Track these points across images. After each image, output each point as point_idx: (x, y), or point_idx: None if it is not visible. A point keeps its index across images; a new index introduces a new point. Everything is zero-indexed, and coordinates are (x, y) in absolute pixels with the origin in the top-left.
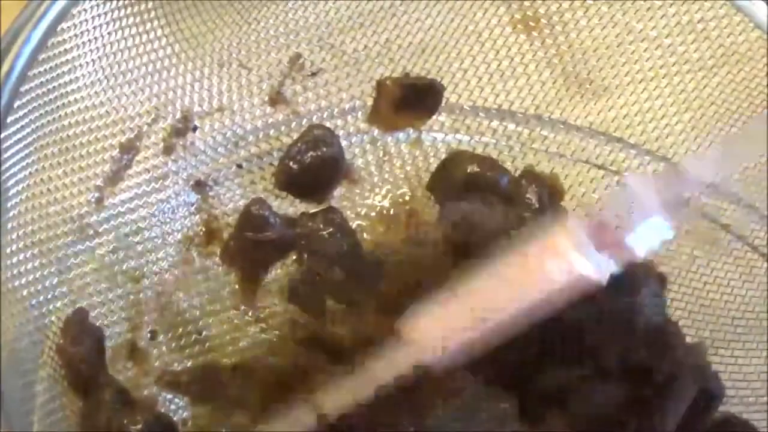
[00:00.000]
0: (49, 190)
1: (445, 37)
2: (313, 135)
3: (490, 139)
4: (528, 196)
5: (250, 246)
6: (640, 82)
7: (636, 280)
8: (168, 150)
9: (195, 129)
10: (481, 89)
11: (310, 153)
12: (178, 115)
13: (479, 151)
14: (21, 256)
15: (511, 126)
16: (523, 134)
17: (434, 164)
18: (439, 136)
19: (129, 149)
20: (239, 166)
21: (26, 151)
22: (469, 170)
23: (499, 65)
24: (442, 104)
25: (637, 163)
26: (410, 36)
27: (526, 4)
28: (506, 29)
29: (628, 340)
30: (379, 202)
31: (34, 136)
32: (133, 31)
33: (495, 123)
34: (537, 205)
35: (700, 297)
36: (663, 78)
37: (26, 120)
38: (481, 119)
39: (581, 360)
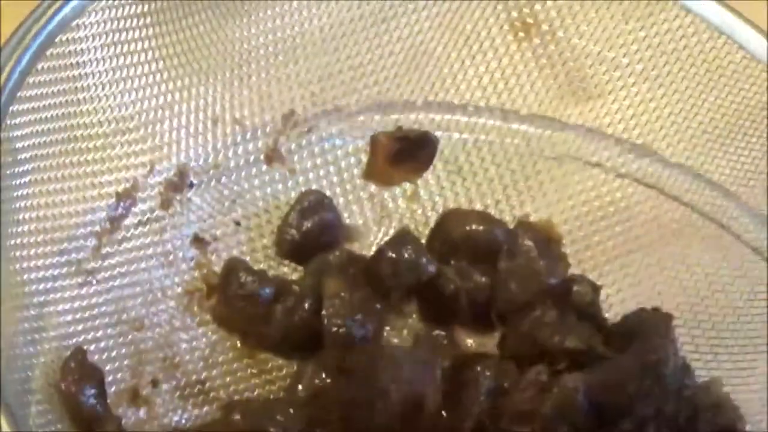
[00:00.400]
0: (45, 228)
1: (428, 38)
2: (308, 201)
3: (486, 137)
4: (527, 243)
5: (238, 304)
6: (632, 85)
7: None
8: (165, 204)
9: (192, 185)
10: (477, 87)
11: (307, 220)
12: (174, 170)
13: (476, 149)
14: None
15: (506, 125)
16: (519, 133)
17: (432, 218)
18: (436, 189)
19: (125, 198)
20: (237, 224)
21: (26, 183)
22: (465, 228)
23: (488, 66)
24: (438, 102)
25: (637, 166)
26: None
27: (525, 9)
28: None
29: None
30: None
31: (35, 176)
32: (128, 82)
33: (491, 122)
34: (535, 254)
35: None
36: (655, 80)
37: (29, 154)
38: (476, 118)
39: None
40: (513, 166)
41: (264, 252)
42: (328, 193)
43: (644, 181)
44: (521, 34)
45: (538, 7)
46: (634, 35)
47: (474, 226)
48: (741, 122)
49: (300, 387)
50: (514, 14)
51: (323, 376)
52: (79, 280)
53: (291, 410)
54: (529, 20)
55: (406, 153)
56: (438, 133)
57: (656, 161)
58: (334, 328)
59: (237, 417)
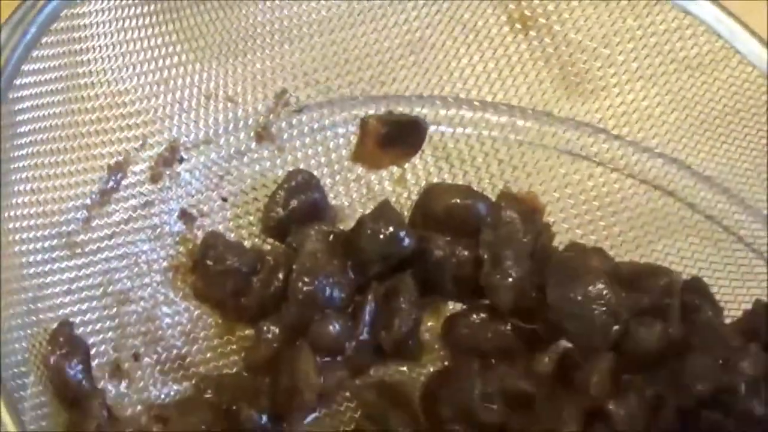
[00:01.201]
0: (38, 201)
1: (428, 34)
2: (296, 180)
3: (483, 131)
4: (509, 214)
5: (217, 278)
6: (627, 82)
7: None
8: (155, 178)
9: (182, 160)
10: (474, 82)
11: (294, 199)
12: (165, 145)
13: (475, 144)
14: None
15: (504, 119)
16: (516, 127)
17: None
18: (423, 174)
19: (116, 171)
20: (224, 200)
21: (22, 155)
22: (448, 202)
23: (491, 58)
24: (436, 95)
25: (635, 159)
26: (394, 73)
27: (523, 3)
28: (503, 28)
29: None
30: None
31: (31, 149)
32: (126, 57)
33: (488, 116)
34: (519, 226)
35: None
36: (652, 77)
37: (25, 128)
38: (475, 112)
39: None
40: (501, 156)
41: (249, 229)
42: (315, 173)
43: (639, 176)
44: (518, 26)
45: (536, 1)
46: (632, 33)
47: (456, 200)
48: (737, 119)
49: (261, 348)
50: (512, 7)
51: (282, 337)
52: (68, 252)
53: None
54: (527, 13)
55: (395, 137)
56: (433, 128)
57: (652, 157)
58: (300, 284)
59: (209, 393)
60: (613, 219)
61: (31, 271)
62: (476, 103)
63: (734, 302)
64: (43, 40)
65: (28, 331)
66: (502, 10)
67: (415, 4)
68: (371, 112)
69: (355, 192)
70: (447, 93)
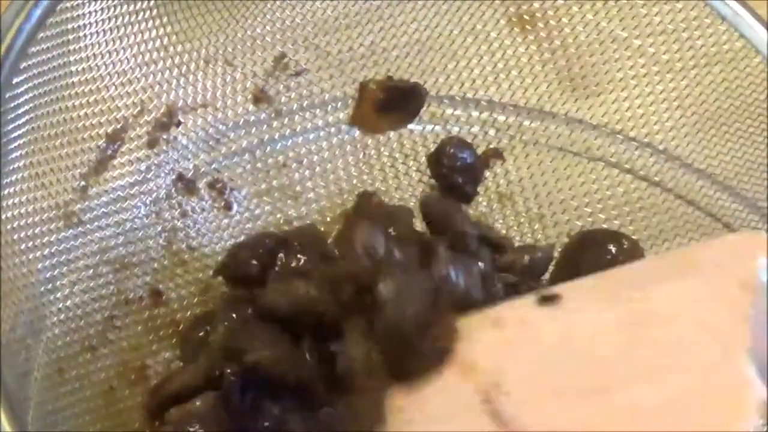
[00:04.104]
0: (37, 174)
1: (435, 34)
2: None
3: (481, 130)
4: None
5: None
6: (632, 78)
7: None
8: (152, 143)
9: (179, 124)
10: (473, 81)
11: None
12: (163, 109)
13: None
14: (9, 238)
15: (502, 118)
16: (515, 126)
17: (413, 166)
18: (419, 138)
19: (115, 140)
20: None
21: (20, 131)
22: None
23: (492, 58)
24: (434, 95)
25: (637, 155)
26: (396, 38)
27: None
28: (502, 25)
29: None
30: None
31: (28, 117)
32: (126, 20)
33: (485, 115)
34: None
35: None
36: (655, 75)
37: (21, 99)
38: (474, 111)
39: None
40: (506, 155)
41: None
42: (311, 137)
43: (645, 176)
44: (527, 27)
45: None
46: (639, 30)
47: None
48: (742, 118)
49: None
50: (518, 6)
51: None
52: (65, 222)
53: None
54: (536, 14)
55: (394, 102)
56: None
57: (657, 156)
58: None
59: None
60: (617, 221)
61: (29, 244)
62: (483, 102)
63: None
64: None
65: (27, 306)
66: (507, 10)
67: (422, 3)
68: (370, 76)
69: (351, 155)
70: (455, 92)
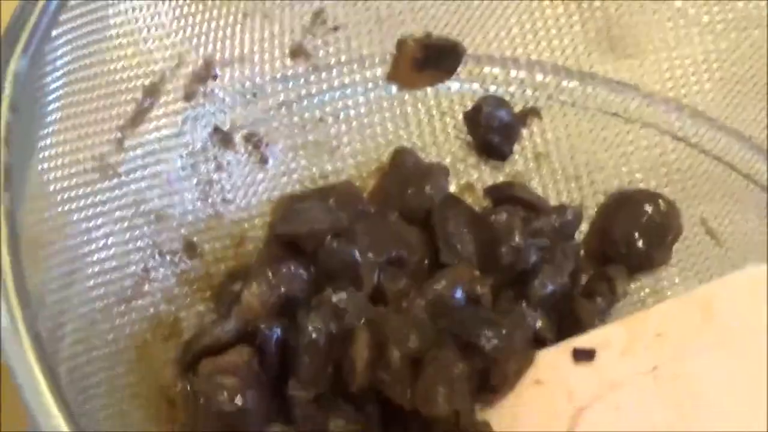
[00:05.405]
0: (74, 126)
1: None
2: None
3: (518, 89)
4: None
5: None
6: (672, 39)
7: None
8: (189, 96)
9: (216, 77)
10: (511, 40)
11: None
12: (201, 62)
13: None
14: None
15: (540, 78)
16: (552, 86)
17: (450, 124)
18: (456, 96)
19: (152, 92)
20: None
21: (59, 83)
22: None
23: (531, 17)
24: (472, 53)
25: (675, 117)
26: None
27: None
28: None
29: None
30: None
31: (65, 69)
32: None
33: (523, 74)
34: None
35: None
36: (695, 37)
37: (60, 51)
38: (512, 70)
39: None
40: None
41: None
42: (348, 92)
43: (682, 137)
44: None
45: None
46: None
47: None
48: None
49: None
50: None
51: None
52: (101, 174)
53: None
54: None
55: (431, 59)
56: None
57: (695, 118)
58: None
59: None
60: (654, 182)
61: (65, 196)
62: (521, 62)
63: None
64: None
65: (60, 258)
66: None
67: None
68: (410, 32)
69: (387, 111)
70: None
